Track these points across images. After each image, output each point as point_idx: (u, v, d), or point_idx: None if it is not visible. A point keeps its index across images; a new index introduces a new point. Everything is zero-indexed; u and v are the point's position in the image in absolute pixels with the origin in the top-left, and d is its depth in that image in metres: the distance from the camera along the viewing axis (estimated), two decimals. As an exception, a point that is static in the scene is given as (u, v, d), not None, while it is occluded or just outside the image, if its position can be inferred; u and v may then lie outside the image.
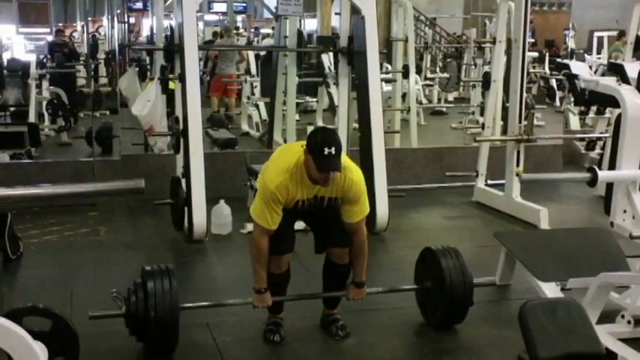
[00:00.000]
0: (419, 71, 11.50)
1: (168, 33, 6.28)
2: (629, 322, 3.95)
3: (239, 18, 15.90)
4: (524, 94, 6.88)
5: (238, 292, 4.21)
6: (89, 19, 9.93)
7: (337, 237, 3.94)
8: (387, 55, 9.59)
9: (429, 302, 4.23)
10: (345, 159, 3.78)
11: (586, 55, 12.15)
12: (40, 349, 2.74)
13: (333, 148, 3.54)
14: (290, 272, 3.99)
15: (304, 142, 3.69)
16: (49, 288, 4.81)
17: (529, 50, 7.95)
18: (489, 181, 7.35)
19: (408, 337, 4.21)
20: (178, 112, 5.99)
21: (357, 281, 3.98)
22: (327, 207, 3.87)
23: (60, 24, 10.91)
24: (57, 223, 6.27)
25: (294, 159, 3.69)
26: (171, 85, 6.55)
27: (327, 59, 9.59)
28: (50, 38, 10.16)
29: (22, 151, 7.90)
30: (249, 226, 5.95)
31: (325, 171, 3.57)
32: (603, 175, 4.45)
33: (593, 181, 4.41)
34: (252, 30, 16.25)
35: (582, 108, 9.49)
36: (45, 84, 9.28)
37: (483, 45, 11.68)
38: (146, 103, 7.07)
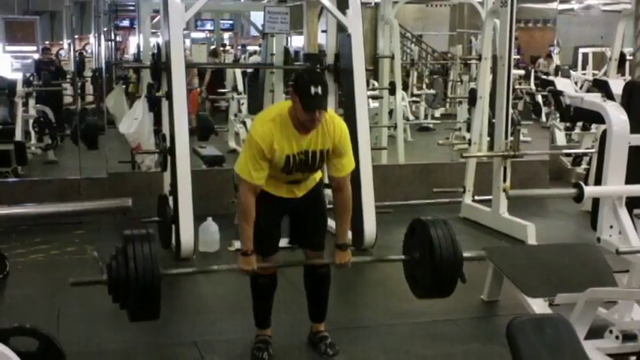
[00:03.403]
0: (405, 88, 11.53)
1: (155, 51, 6.28)
2: (617, 337, 3.96)
3: (226, 35, 15.91)
4: (510, 110, 6.93)
5: (226, 309, 4.20)
6: (76, 37, 9.91)
7: (314, 240, 3.95)
8: (373, 72, 9.61)
9: (417, 273, 4.11)
10: (331, 112, 3.78)
11: (571, 72, 12.23)
12: (27, 370, 2.72)
13: (320, 88, 3.54)
14: (276, 280, 3.98)
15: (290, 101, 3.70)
16: (36, 307, 4.78)
17: (515, 67, 7.99)
18: (476, 197, 7.38)
19: (396, 355, 4.20)
20: (165, 129, 5.98)
21: (339, 243, 3.92)
22: (317, 165, 3.81)
23: (47, 42, 10.90)
24: (43, 241, 6.24)
25: (278, 109, 3.72)
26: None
27: (314, 76, 9.60)
28: (37, 56, 10.15)
29: (9, 169, 7.87)
30: (237, 244, 5.94)
31: (311, 109, 3.54)
32: (589, 190, 4.46)
33: (579, 197, 4.43)
34: (239, 47, 16.26)
35: (568, 124, 9.55)
36: (31, 102, 9.24)
37: (469, 62, 11.75)
38: (133, 121, 7.06)
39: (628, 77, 8.91)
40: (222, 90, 11.56)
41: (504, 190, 6.66)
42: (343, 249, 3.92)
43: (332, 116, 3.75)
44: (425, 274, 4.04)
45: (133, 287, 3.59)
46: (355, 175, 5.90)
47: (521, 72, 12.15)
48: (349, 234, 4.02)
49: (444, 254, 3.94)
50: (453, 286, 4.03)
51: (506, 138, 6.77)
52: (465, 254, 4.08)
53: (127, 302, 3.68)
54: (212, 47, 14.11)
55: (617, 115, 4.42)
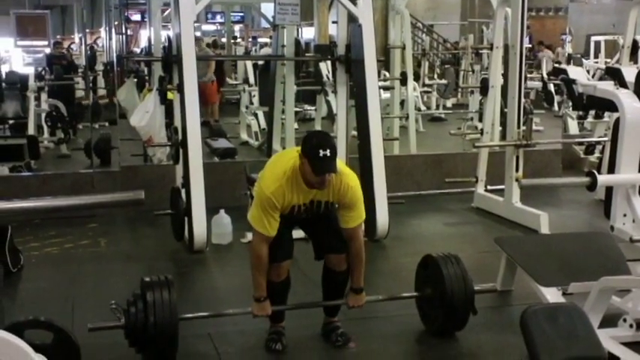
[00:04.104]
0: (417, 78, 11.52)
1: (166, 44, 6.29)
2: (631, 325, 3.95)
3: (237, 28, 15.92)
4: (522, 100, 6.90)
5: (239, 302, 4.20)
6: (87, 30, 9.96)
7: (333, 243, 3.95)
8: (384, 63, 9.60)
9: (429, 309, 4.23)
10: (341, 165, 3.79)
11: (583, 60, 12.17)
12: (42, 362, 2.74)
13: (328, 150, 3.57)
14: (290, 280, 3.99)
15: (299, 148, 3.71)
16: (50, 300, 4.80)
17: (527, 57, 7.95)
18: (489, 187, 7.36)
19: (409, 345, 4.21)
20: (177, 122, 6.00)
21: (355, 287, 3.98)
22: (323, 213, 3.88)
23: (58, 36, 10.94)
24: (57, 235, 6.27)
25: (289, 164, 3.72)
26: (170, 95, 6.56)
27: (325, 67, 9.62)
28: (48, 50, 10.18)
29: (22, 163, 7.90)
30: (250, 236, 5.93)
31: (321, 173, 3.59)
32: (603, 179, 4.46)
33: (592, 186, 4.42)
34: (250, 39, 16.27)
35: (581, 112, 9.51)
36: (44, 96, 9.30)
37: (481, 51, 11.71)
38: (145, 114, 7.07)
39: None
40: (233, 82, 11.60)
41: (517, 180, 6.65)
42: (358, 293, 4.00)
43: (341, 172, 3.76)
44: (437, 311, 4.14)
45: (151, 333, 3.63)
46: (367, 165, 5.94)
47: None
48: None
49: (455, 291, 4.03)
50: (464, 322, 4.12)
51: (519, 127, 6.75)
52: (476, 287, 4.16)
53: (143, 347, 3.73)
54: (214, 38, 14.10)
55: (630, 103, 4.41)
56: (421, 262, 4.32)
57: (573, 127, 10.23)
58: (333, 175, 3.67)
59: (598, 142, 8.90)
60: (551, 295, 4.20)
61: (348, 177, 3.80)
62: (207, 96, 11.53)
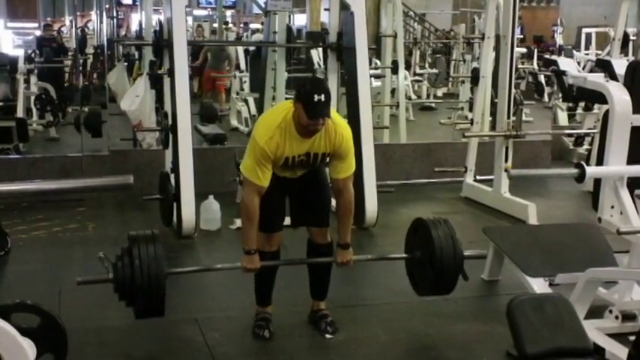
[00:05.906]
0: (408, 67, 11.51)
1: (157, 28, 6.26)
2: (616, 317, 3.98)
3: (228, 13, 15.84)
4: (513, 90, 6.91)
5: (227, 287, 4.21)
6: (78, 13, 9.86)
7: (318, 216, 3.98)
8: (376, 51, 9.59)
9: (418, 272, 4.19)
10: (335, 115, 3.80)
11: (574, 52, 12.19)
12: (29, 346, 2.74)
13: (323, 95, 3.57)
14: (280, 254, 4.01)
15: (293, 100, 3.71)
16: (38, 284, 4.79)
17: (518, 46, 7.97)
18: (478, 177, 7.38)
19: (396, 333, 4.22)
20: (167, 107, 5.97)
21: (341, 243, 3.96)
22: (317, 169, 3.88)
23: (48, 19, 10.88)
24: (45, 218, 6.25)
25: (282, 114, 3.72)
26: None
27: (317, 55, 9.59)
28: (38, 33, 10.12)
29: (10, 146, 7.88)
30: (238, 222, 5.96)
31: (315, 117, 3.59)
32: (591, 170, 4.46)
33: (580, 177, 4.42)
34: (242, 25, 16.20)
35: (570, 104, 9.53)
36: (33, 79, 9.24)
37: (472, 41, 11.72)
38: (135, 98, 7.04)
39: (631, 57, 8.88)
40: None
41: (506, 170, 6.67)
42: (345, 248, 3.98)
43: (335, 122, 3.76)
44: (426, 273, 4.11)
45: (139, 286, 3.63)
46: (357, 153, 5.92)
47: (523, 50, 12.07)
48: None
49: (444, 254, 4.01)
50: (453, 284, 4.10)
51: (509, 118, 6.76)
52: (466, 253, 4.13)
53: (132, 300, 3.72)
54: (197, 24, 14.01)
55: (619, 96, 4.40)
56: (411, 226, 4.28)
57: (563, 118, 10.27)
58: (328, 123, 3.67)
59: (587, 134, 8.93)
60: (538, 285, 4.22)
61: (341, 127, 3.81)
62: (220, 84, 11.47)
